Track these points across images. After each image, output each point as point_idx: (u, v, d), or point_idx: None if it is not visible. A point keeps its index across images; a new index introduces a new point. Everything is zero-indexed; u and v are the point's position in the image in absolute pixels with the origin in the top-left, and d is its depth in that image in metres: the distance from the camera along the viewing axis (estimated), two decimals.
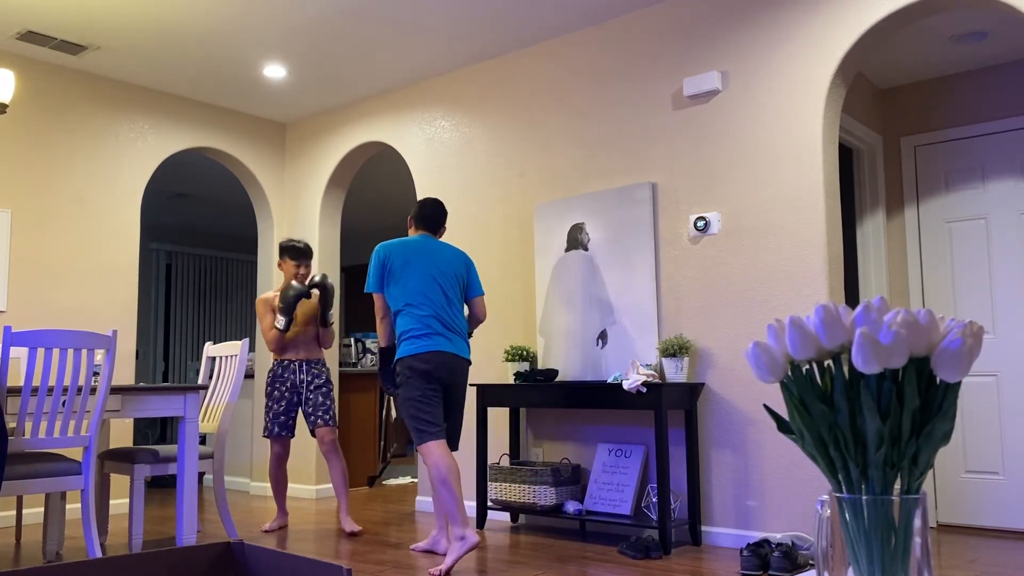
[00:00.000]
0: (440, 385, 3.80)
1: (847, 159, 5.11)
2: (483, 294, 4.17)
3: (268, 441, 6.13)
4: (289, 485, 6.06)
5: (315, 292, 4.78)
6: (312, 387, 4.67)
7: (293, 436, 4.77)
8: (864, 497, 0.84)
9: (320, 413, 4.62)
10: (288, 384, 4.71)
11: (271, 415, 4.71)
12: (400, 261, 3.86)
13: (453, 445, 3.94)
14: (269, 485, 6.16)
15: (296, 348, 4.74)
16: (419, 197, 5.58)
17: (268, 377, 4.77)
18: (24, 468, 3.42)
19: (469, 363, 3.92)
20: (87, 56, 5.21)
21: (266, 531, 4.65)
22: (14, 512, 4.95)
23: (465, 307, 4.35)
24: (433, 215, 4.04)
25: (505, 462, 4.91)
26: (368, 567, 3.69)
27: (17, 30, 4.81)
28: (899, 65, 4.86)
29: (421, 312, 3.81)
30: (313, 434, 4.68)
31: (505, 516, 4.87)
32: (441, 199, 5.47)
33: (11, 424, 3.47)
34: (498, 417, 4.99)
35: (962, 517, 4.66)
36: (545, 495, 4.32)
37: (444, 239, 5.40)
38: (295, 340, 4.75)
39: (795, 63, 4.02)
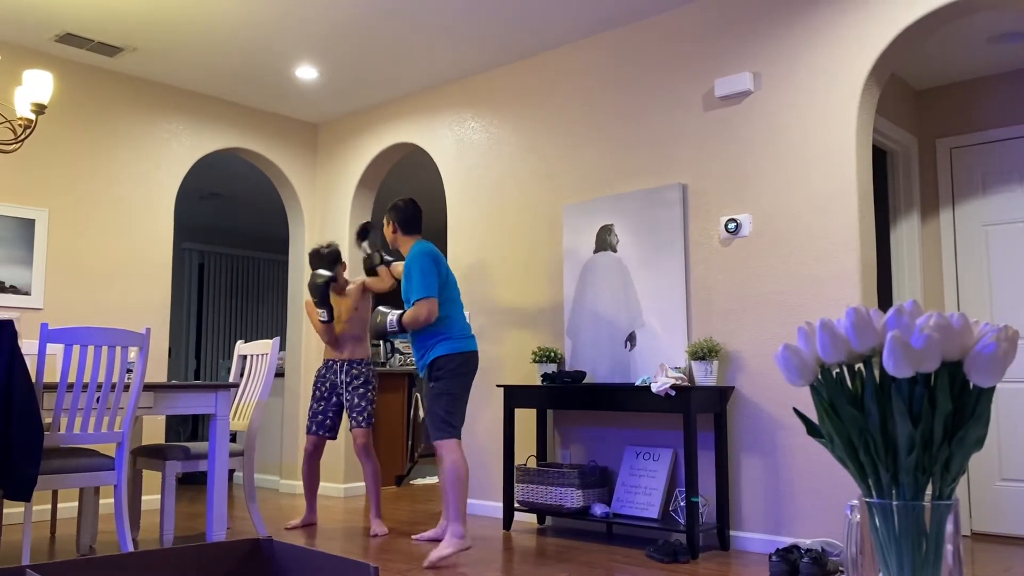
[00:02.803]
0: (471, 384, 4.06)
1: (881, 161, 5.04)
2: None
3: (297, 439, 6.21)
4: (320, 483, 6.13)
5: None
6: (350, 388, 4.70)
7: (330, 436, 4.77)
8: (895, 502, 0.83)
9: (355, 414, 4.65)
10: (328, 384, 4.77)
11: (310, 413, 4.79)
12: (446, 269, 4.03)
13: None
14: (300, 483, 6.22)
15: (341, 347, 4.77)
16: (448, 198, 5.59)
17: (315, 376, 4.90)
18: (59, 463, 3.48)
19: None
20: (123, 57, 5.29)
21: (291, 528, 4.69)
22: (49, 506, 5.03)
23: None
24: (419, 219, 4.16)
25: (532, 463, 4.91)
26: (396, 566, 3.70)
27: (56, 32, 4.90)
28: (935, 66, 4.79)
29: (462, 314, 4.06)
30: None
31: (531, 518, 4.87)
32: (471, 199, 5.48)
33: (47, 419, 3.53)
34: (525, 418, 4.99)
35: (996, 526, 4.58)
36: (572, 497, 4.31)
37: (477, 238, 5.43)
38: (341, 338, 4.77)
39: (829, 64, 3.98)
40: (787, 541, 3.91)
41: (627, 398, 4.15)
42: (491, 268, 5.30)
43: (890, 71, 3.98)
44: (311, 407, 4.80)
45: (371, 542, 4.28)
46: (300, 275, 6.45)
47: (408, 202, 4.15)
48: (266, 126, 6.29)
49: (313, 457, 4.78)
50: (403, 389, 6.86)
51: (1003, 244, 4.72)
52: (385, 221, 4.18)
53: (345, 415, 5.14)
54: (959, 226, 4.88)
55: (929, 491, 0.85)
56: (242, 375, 4.68)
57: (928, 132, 5.05)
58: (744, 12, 4.30)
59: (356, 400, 4.67)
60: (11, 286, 4.94)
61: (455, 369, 3.91)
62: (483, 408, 5.23)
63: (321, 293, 4.61)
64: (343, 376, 4.72)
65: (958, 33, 4.40)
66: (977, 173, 4.84)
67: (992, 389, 0.83)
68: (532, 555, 3.95)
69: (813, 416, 3.81)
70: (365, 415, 4.63)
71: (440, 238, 10.43)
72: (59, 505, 5.04)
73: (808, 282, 3.96)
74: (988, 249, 4.77)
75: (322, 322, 4.67)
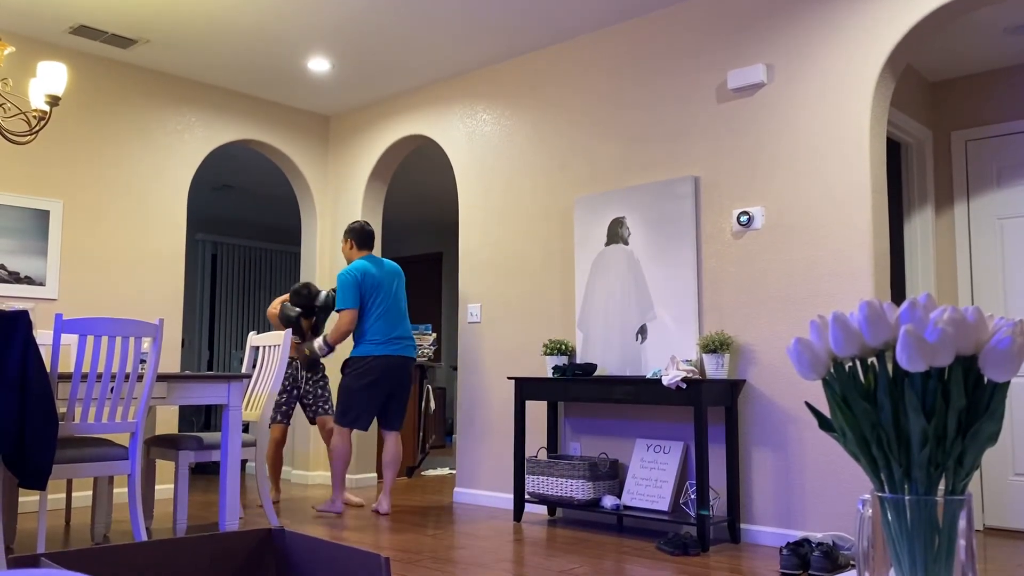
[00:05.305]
0: (386, 383, 4.74)
1: (895, 154, 5.01)
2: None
3: (306, 429, 6.25)
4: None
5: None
6: (311, 382, 5.33)
7: (290, 423, 5.41)
8: (907, 497, 0.83)
9: (321, 403, 5.31)
10: (291, 379, 5.34)
11: (274, 404, 5.11)
12: (372, 284, 4.77)
13: (399, 426, 4.88)
14: (312, 473, 6.26)
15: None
16: (460, 190, 5.60)
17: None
18: (73, 452, 3.51)
19: (414, 361, 4.90)
20: (137, 49, 5.31)
21: (324, 511, 4.73)
22: (64, 495, 5.08)
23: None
24: (372, 236, 4.97)
25: (542, 455, 4.92)
26: (406, 556, 3.72)
27: (70, 24, 4.92)
28: (950, 58, 4.75)
29: (383, 324, 4.75)
30: (312, 421, 5.36)
31: (542, 509, 4.88)
32: (482, 191, 5.48)
33: (61, 410, 3.56)
34: (536, 411, 5.00)
35: (1009, 520, 4.56)
36: (582, 489, 4.32)
37: (489, 230, 5.44)
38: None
39: (843, 56, 3.95)
40: (798, 535, 3.90)
41: (638, 391, 4.15)
42: (502, 260, 5.31)
43: (905, 63, 3.95)
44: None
45: (381, 533, 4.29)
46: (312, 266, 6.47)
47: (362, 225, 4.96)
48: (278, 118, 6.30)
49: (282, 445, 5.28)
50: (415, 381, 6.87)
51: (1018, 237, 4.69)
52: (343, 238, 4.99)
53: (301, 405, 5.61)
54: (974, 219, 4.85)
55: (942, 486, 0.85)
56: (254, 366, 4.71)
57: (943, 124, 5.01)
58: (757, 3, 4.27)
59: (319, 391, 5.32)
60: (26, 277, 4.97)
61: (357, 369, 4.73)
62: (494, 400, 5.24)
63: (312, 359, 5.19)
64: (303, 372, 5.34)
65: (974, 24, 4.36)
66: (992, 166, 4.81)
67: (1006, 384, 0.83)
68: (542, 547, 3.96)
69: (825, 410, 3.80)
70: (331, 404, 5.36)
71: (452, 230, 10.44)
72: (74, 494, 5.08)
73: (821, 275, 3.94)
74: (1003, 242, 4.74)
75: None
